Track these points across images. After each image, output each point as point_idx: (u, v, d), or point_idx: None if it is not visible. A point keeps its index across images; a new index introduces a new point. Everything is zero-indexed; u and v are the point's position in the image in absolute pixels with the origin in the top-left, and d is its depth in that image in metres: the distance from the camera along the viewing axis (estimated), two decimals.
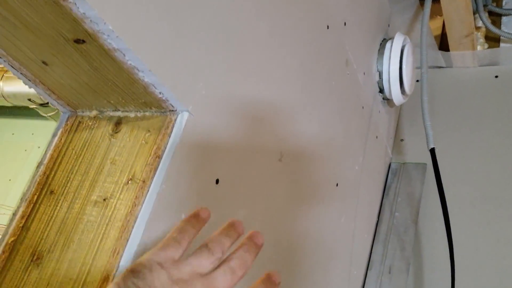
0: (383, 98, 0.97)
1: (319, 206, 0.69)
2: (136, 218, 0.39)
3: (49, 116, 1.72)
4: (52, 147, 0.48)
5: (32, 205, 0.44)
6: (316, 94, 0.68)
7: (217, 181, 0.47)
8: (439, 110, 1.08)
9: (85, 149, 0.46)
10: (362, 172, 0.87)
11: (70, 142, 0.47)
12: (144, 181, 0.41)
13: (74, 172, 0.45)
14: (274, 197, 0.57)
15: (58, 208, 0.43)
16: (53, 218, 0.43)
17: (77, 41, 0.38)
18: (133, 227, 0.39)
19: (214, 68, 0.46)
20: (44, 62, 0.42)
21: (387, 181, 1.03)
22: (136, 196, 0.40)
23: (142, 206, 0.39)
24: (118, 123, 0.46)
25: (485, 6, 1.07)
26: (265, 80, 0.55)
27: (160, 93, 0.41)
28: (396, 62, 0.90)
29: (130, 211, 0.39)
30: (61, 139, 0.48)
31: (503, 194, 0.92)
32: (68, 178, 0.44)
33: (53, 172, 0.46)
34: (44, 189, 0.45)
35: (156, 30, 0.39)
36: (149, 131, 0.44)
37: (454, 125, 1.05)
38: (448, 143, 1.02)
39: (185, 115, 0.43)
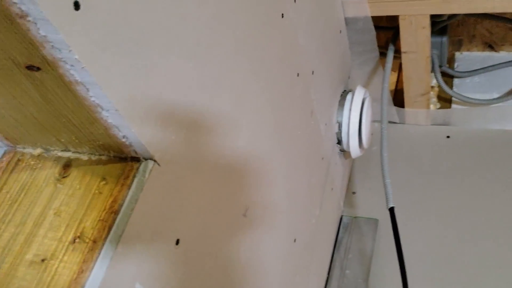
0: (340, 150, 0.95)
1: (277, 265, 0.64)
2: (83, 287, 0.32)
3: None
4: None
5: None
6: (284, 144, 0.64)
7: (177, 242, 0.41)
8: (390, 165, 1.07)
9: (23, 194, 0.38)
10: (317, 226, 0.83)
11: (4, 183, 0.39)
12: (95, 241, 0.34)
13: (6, 221, 0.37)
14: (234, 257, 0.51)
15: None
16: None
17: (30, 67, 0.31)
18: None
19: (187, 109, 0.40)
20: None
21: (338, 235, 1.00)
22: (84, 260, 0.33)
23: (91, 273, 0.32)
24: (67, 165, 0.39)
25: (440, 66, 1.10)
26: (240, 126, 0.50)
27: (123, 137, 0.35)
28: (357, 115, 0.89)
29: (76, 278, 0.32)
30: None
31: (456, 255, 0.91)
32: None
33: None
34: None
35: (128, 64, 0.33)
36: (104, 179, 0.37)
37: (406, 182, 1.05)
38: (399, 200, 1.01)
39: (150, 164, 0.37)
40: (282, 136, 0.63)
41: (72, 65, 0.29)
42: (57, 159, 0.40)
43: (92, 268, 0.32)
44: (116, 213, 0.35)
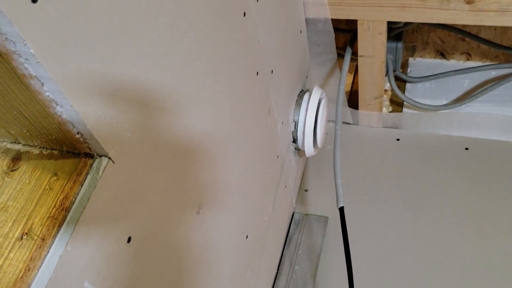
0: (295, 148, 0.97)
1: (229, 262, 0.64)
2: (29, 287, 0.31)
3: None
4: None
5: None
6: (241, 141, 0.64)
7: (128, 240, 0.40)
8: (342, 164, 1.10)
9: None
10: (269, 223, 0.84)
11: None
12: (43, 239, 0.33)
13: None
14: (186, 255, 0.51)
15: None
16: None
17: None
18: None
19: (144, 106, 0.40)
20: None
21: (289, 231, 1.02)
22: (31, 258, 0.32)
23: (38, 271, 0.32)
24: (17, 158, 0.38)
25: (393, 71, 1.13)
26: (197, 123, 0.50)
27: (78, 133, 0.34)
28: (313, 115, 0.91)
29: (22, 276, 0.31)
30: None
31: (400, 254, 0.95)
32: None
33: None
34: None
35: (86, 60, 0.32)
36: (56, 174, 0.36)
37: (356, 181, 1.08)
38: (349, 199, 1.04)
39: (104, 161, 0.36)
40: (240, 134, 0.63)
41: (26, 59, 0.29)
42: (6, 151, 0.38)
43: (40, 266, 0.32)
44: (67, 210, 0.34)
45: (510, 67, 1.15)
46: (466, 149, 1.08)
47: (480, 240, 0.94)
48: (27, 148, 0.38)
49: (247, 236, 0.72)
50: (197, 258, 0.54)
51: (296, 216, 1.04)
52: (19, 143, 0.38)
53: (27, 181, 0.36)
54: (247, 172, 0.68)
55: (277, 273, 0.95)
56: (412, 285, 0.91)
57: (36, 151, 0.38)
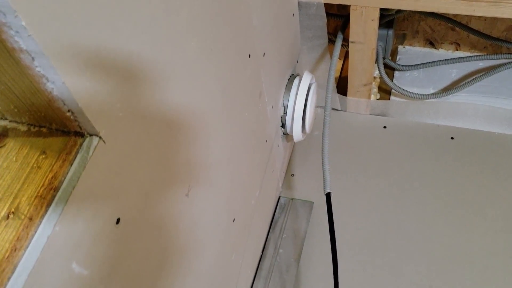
0: (283, 133, 0.97)
1: (215, 244, 0.64)
2: (15, 267, 0.30)
3: None
4: None
5: None
6: (232, 124, 0.63)
7: (117, 221, 0.40)
8: (329, 150, 1.10)
9: None
10: (256, 206, 0.84)
11: None
12: (31, 218, 0.32)
13: None
14: (174, 237, 0.51)
15: None
16: None
17: None
18: (9, 279, 0.30)
19: (137, 86, 0.39)
20: None
21: (274, 215, 1.02)
22: (18, 237, 0.31)
23: (25, 251, 0.31)
24: (3, 135, 0.36)
25: (383, 58, 1.13)
26: (188, 105, 0.49)
27: (69, 111, 0.33)
28: (302, 100, 0.90)
29: (8, 256, 0.31)
30: None
31: (384, 241, 0.96)
32: None
33: None
34: None
35: (80, 35, 0.31)
36: (44, 152, 0.35)
37: (342, 167, 1.08)
38: (334, 184, 1.04)
39: (95, 140, 0.35)
40: (231, 117, 0.63)
41: (17, 32, 0.27)
42: None
43: (27, 246, 0.31)
44: (56, 190, 0.33)
45: (497, 59, 1.16)
46: (452, 138, 1.09)
47: (463, 228, 0.96)
48: (14, 125, 0.37)
49: (234, 220, 0.71)
50: (184, 240, 0.54)
51: (282, 200, 1.04)
52: (6, 119, 0.37)
53: (14, 158, 0.35)
54: (236, 156, 0.68)
55: (261, 256, 0.95)
56: (396, 271, 0.92)
57: (23, 128, 0.36)
